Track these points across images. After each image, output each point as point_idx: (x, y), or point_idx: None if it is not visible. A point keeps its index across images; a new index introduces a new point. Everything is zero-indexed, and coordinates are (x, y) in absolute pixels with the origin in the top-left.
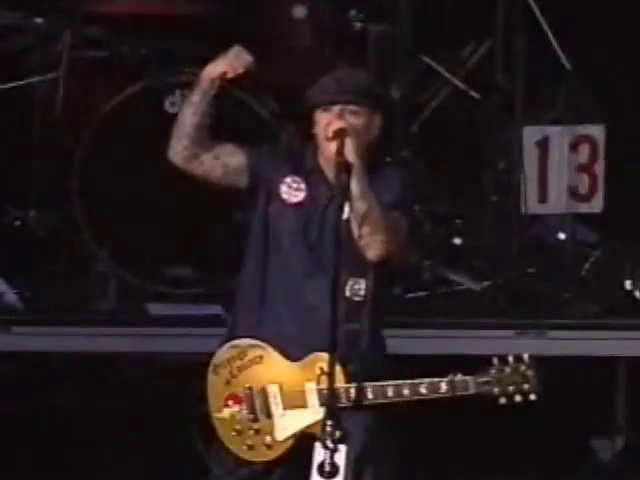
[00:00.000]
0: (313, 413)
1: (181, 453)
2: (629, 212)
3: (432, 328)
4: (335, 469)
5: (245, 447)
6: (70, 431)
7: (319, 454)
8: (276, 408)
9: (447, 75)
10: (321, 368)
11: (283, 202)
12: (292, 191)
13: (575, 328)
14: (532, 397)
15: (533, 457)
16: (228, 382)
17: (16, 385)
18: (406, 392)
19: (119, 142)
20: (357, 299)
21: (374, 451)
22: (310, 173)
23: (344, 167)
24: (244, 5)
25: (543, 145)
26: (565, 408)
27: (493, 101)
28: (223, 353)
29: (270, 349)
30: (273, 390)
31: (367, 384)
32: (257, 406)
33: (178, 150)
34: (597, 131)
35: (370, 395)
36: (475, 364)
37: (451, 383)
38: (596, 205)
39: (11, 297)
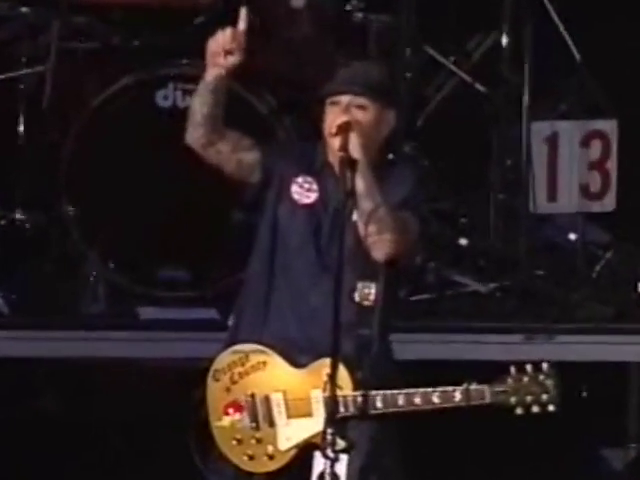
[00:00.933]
0: (319, 422)
1: (177, 463)
2: None
3: (436, 332)
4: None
5: (246, 457)
6: (57, 441)
7: (319, 464)
8: (279, 417)
9: (452, 67)
10: (328, 375)
11: (294, 202)
12: (303, 191)
13: (586, 332)
14: (551, 408)
15: (543, 466)
16: (229, 389)
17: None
18: (418, 401)
19: (109, 138)
20: (367, 303)
21: (380, 461)
22: (321, 170)
23: (348, 163)
24: None
25: (552, 141)
26: (576, 416)
27: (500, 95)
28: (224, 358)
29: (274, 354)
30: (277, 398)
31: (376, 392)
32: (259, 414)
33: (195, 137)
34: (609, 126)
35: (379, 404)
36: (481, 370)
37: (466, 392)
38: (608, 204)
39: None
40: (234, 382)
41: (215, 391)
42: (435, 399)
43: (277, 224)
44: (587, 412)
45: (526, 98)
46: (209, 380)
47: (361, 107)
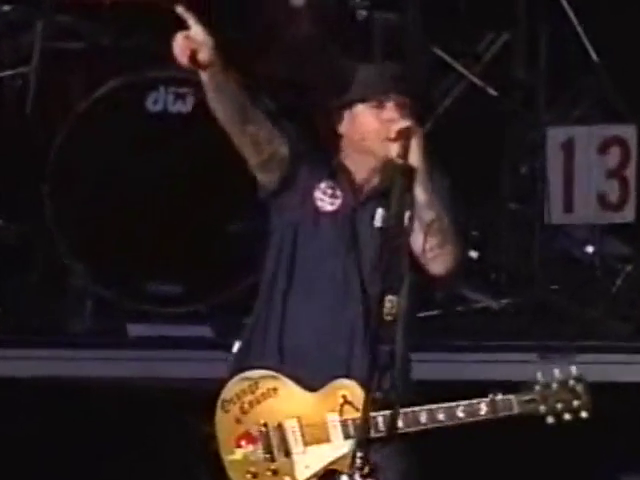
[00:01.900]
0: (336, 448)
1: None
2: None
3: (445, 351)
4: None
5: None
6: (39, 465)
7: None
8: (295, 445)
9: (462, 70)
10: (344, 397)
11: (316, 210)
12: (327, 198)
13: (605, 351)
14: (584, 414)
15: None
16: (239, 419)
17: None
18: (441, 417)
19: (97, 143)
20: (390, 318)
21: None
22: (335, 176)
23: (407, 172)
24: None
25: (568, 147)
26: (593, 439)
27: (513, 99)
28: (232, 387)
29: (285, 379)
30: (291, 425)
31: (397, 411)
32: (274, 444)
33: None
34: (629, 131)
35: (401, 423)
36: (493, 391)
37: (492, 403)
38: (628, 214)
39: None
40: (244, 412)
41: (225, 423)
42: (460, 414)
43: (298, 232)
44: (606, 436)
45: (540, 102)
46: (218, 411)
47: (405, 107)
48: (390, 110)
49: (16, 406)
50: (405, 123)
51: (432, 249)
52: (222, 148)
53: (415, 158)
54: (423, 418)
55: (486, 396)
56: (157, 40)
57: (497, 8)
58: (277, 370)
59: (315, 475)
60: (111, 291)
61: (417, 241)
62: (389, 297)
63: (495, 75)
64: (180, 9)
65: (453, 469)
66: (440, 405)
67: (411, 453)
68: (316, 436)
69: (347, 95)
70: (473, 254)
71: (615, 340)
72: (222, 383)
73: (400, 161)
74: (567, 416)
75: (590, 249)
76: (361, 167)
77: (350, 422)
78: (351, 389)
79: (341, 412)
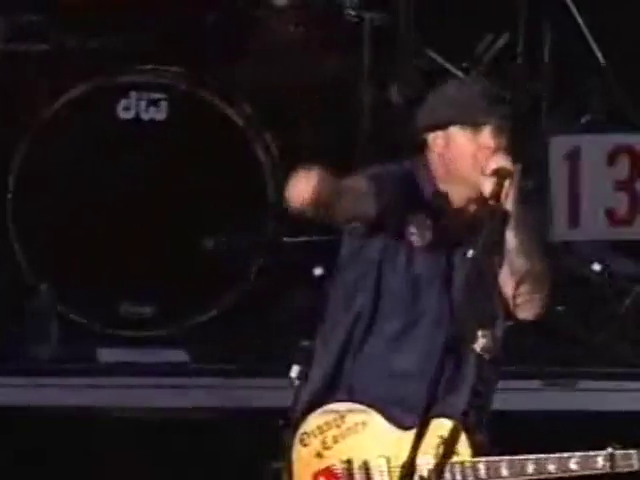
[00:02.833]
0: None
1: None
2: None
3: None
4: None
5: None
6: None
7: None
8: None
9: (458, 73)
10: (441, 437)
11: (409, 245)
12: (420, 231)
13: (613, 378)
14: None
15: None
16: (320, 454)
17: None
18: (552, 468)
19: (63, 153)
20: (488, 355)
21: None
22: (429, 204)
23: (499, 215)
24: None
25: (574, 158)
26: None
27: (513, 105)
28: (315, 419)
29: (375, 414)
30: (378, 465)
31: (500, 458)
32: None
33: None
34: (639, 141)
35: (504, 471)
36: (492, 422)
37: (611, 457)
38: (638, 230)
39: None
40: (327, 447)
41: (304, 457)
42: (573, 465)
43: (384, 269)
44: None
45: (544, 108)
46: (295, 445)
47: (503, 134)
48: (487, 135)
49: None
50: (502, 163)
51: (521, 295)
52: (198, 158)
53: (509, 202)
54: (530, 468)
55: (610, 444)
56: (129, 42)
57: (496, 7)
58: (367, 404)
59: None
60: (79, 313)
61: (506, 286)
62: (486, 332)
63: (494, 80)
64: None
65: None
66: (550, 455)
67: None
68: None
69: (440, 114)
70: None
71: (624, 366)
72: (292, 414)
73: (492, 202)
74: None
75: (597, 267)
76: (457, 195)
77: (448, 466)
78: (450, 430)
79: (436, 455)
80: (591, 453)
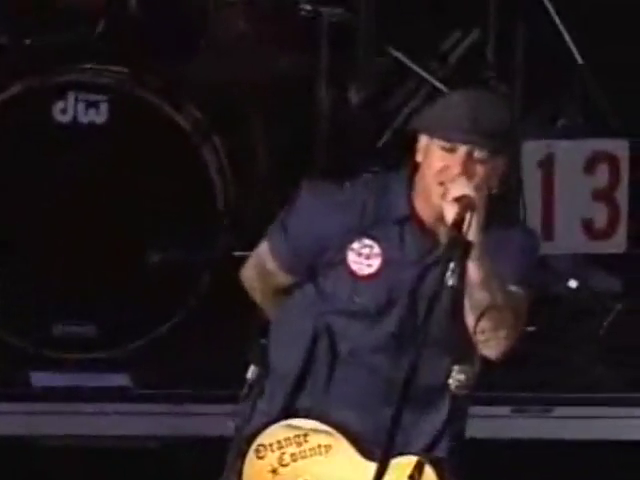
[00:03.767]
0: None
1: None
2: None
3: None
4: None
5: None
6: None
7: None
8: None
9: (423, 74)
10: (412, 477)
11: (353, 274)
12: (363, 259)
13: (591, 404)
14: None
15: None
16: (275, 471)
17: None
18: None
19: None
20: (463, 392)
21: None
22: (401, 222)
23: (460, 245)
24: None
25: (548, 165)
26: None
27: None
28: (275, 431)
29: (341, 438)
30: None
31: None
32: None
33: None
34: (619, 147)
35: None
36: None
37: None
38: (618, 243)
39: None
40: (284, 464)
41: (257, 470)
42: None
43: (329, 295)
44: None
45: (515, 111)
46: (250, 453)
47: (482, 161)
48: (459, 157)
49: None
50: (464, 191)
51: (483, 333)
52: (141, 165)
53: (472, 234)
54: None
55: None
56: (66, 39)
57: (465, 1)
58: (336, 426)
59: None
60: (12, 334)
61: (468, 320)
62: (460, 367)
63: (462, 80)
64: None
65: None
66: None
67: None
68: None
69: (426, 119)
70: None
71: (602, 392)
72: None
73: (452, 232)
74: None
75: (573, 284)
76: (428, 210)
77: None
78: (419, 467)
79: None
80: None
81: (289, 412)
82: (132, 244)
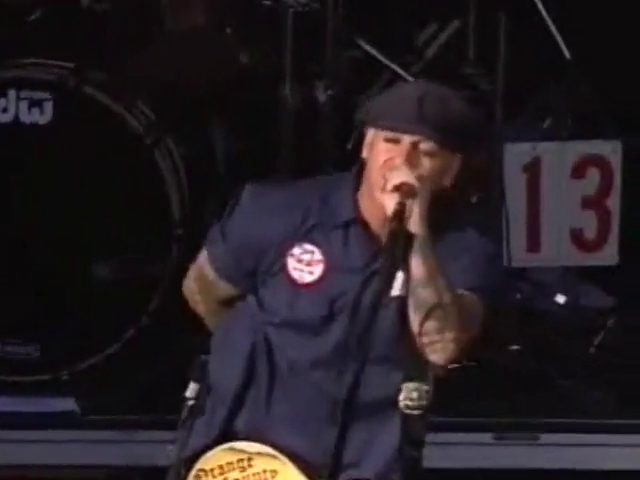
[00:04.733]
0: None
1: None
2: None
3: None
4: None
5: None
6: None
7: None
8: None
9: (396, 69)
10: None
11: (293, 282)
12: (303, 266)
13: (580, 430)
14: None
15: None
16: None
17: None
18: None
19: None
20: (417, 412)
21: None
22: (345, 226)
23: (402, 238)
24: None
25: (534, 169)
26: None
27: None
28: (217, 455)
29: (288, 463)
30: None
31: None
32: None
33: None
34: (610, 149)
35: None
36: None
37: None
38: (609, 255)
39: None
40: None
41: None
42: None
43: (270, 305)
44: None
45: (498, 110)
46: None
47: (430, 154)
48: (403, 147)
49: None
50: (404, 178)
51: (428, 334)
52: (89, 170)
53: (415, 225)
54: None
55: None
56: (7, 32)
57: None
58: (282, 448)
59: None
60: None
61: (412, 322)
62: (414, 385)
63: (439, 76)
64: None
65: None
66: None
67: None
68: None
69: (372, 110)
70: None
71: (592, 417)
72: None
73: (392, 224)
74: None
75: (561, 299)
76: (373, 213)
77: None
78: None
79: None
80: None
81: (227, 434)
82: (78, 256)
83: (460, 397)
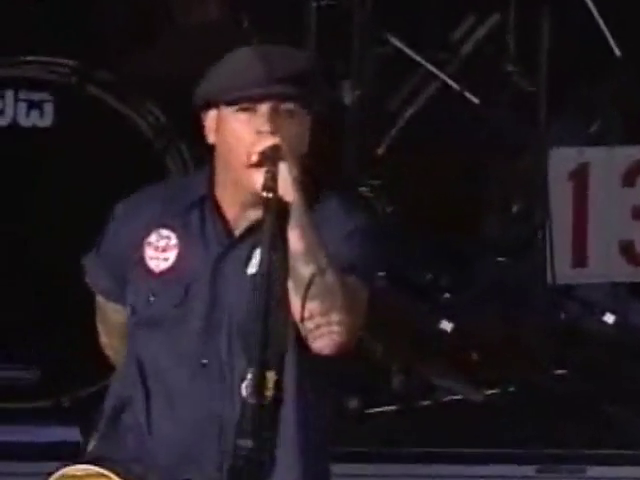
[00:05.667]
0: None
1: None
2: None
3: (404, 462)
4: None
5: None
6: None
7: None
8: None
9: (430, 67)
10: None
11: (149, 272)
12: (159, 254)
13: (631, 462)
14: None
15: None
16: None
17: None
18: None
19: None
20: (260, 402)
21: None
22: (191, 208)
23: (277, 208)
24: None
25: (580, 176)
26: None
27: (502, 108)
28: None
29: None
30: None
31: None
32: None
33: None
34: None
35: None
36: None
37: None
38: None
39: None
40: None
41: None
42: None
43: (134, 307)
44: None
45: (542, 113)
46: None
47: (290, 113)
48: (262, 117)
49: None
50: (270, 141)
51: (311, 317)
52: (94, 177)
53: (288, 190)
54: None
55: None
56: (2, 27)
57: None
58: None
59: None
60: None
61: (294, 305)
62: (270, 374)
63: (478, 75)
64: None
65: None
66: None
67: None
68: None
69: (210, 87)
70: (446, 326)
71: None
72: None
73: (266, 194)
74: None
75: (610, 319)
76: (230, 198)
77: None
78: None
79: None
80: None
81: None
82: (82, 274)
83: (500, 426)
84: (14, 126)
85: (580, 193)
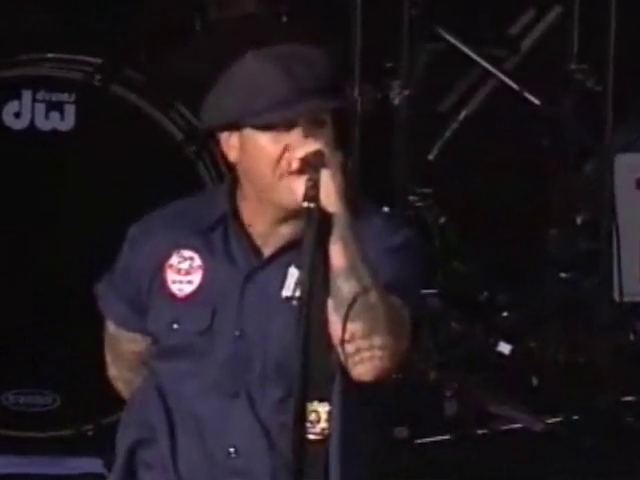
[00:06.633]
0: None
1: None
2: None
3: None
4: None
5: None
6: None
7: None
8: None
9: (486, 65)
10: None
11: (173, 297)
12: (182, 276)
13: None
14: None
15: None
16: None
17: None
18: None
19: None
20: (313, 437)
21: None
22: (213, 226)
23: (321, 220)
24: None
25: None
26: None
27: (565, 109)
28: None
29: None
30: None
31: None
32: None
33: None
34: None
35: None
36: None
37: None
38: None
39: None
40: None
41: None
42: None
43: (156, 336)
44: None
45: (608, 115)
46: None
47: (321, 124)
48: (299, 132)
49: None
50: (311, 146)
51: (352, 340)
52: (118, 184)
53: (331, 200)
54: None
55: None
56: (19, 25)
57: None
58: None
59: None
60: None
61: (333, 327)
62: (314, 405)
63: (538, 74)
64: None
65: None
66: None
67: None
68: None
69: (226, 110)
70: (504, 348)
71: None
72: None
73: (307, 205)
74: None
75: None
76: (257, 215)
77: None
78: None
79: None
80: None
81: None
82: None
83: (562, 457)
84: (32, 130)
85: None
